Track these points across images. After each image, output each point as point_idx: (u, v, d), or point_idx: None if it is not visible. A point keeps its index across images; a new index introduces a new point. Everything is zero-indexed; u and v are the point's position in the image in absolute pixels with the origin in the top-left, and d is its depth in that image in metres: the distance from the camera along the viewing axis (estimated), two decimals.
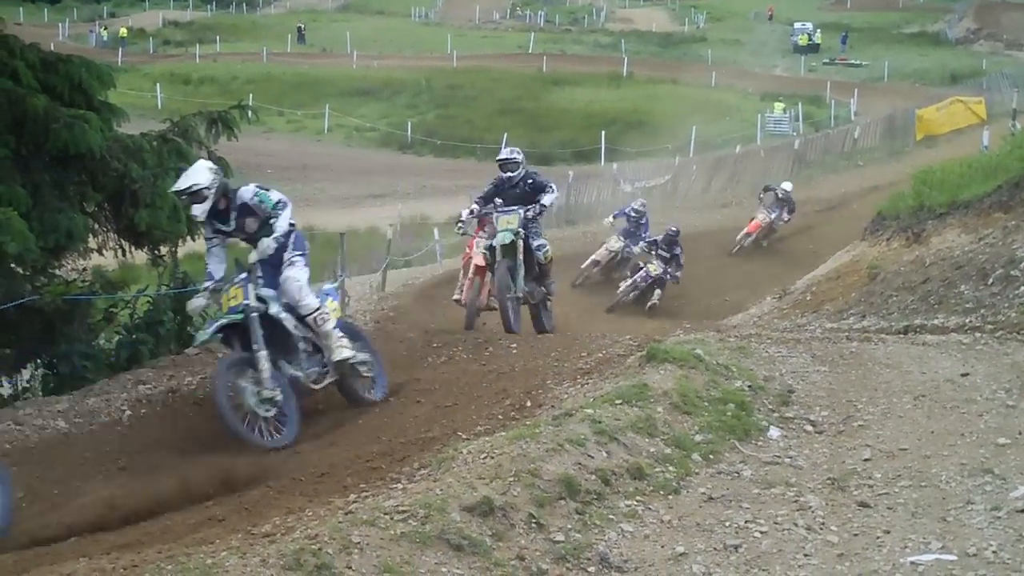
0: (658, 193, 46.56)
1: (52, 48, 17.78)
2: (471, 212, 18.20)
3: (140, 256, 16.30)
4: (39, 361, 14.90)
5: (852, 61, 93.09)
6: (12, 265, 13.92)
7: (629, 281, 28.93)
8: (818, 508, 8.36)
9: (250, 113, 17.03)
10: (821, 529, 8.01)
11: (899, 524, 8.04)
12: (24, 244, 12.58)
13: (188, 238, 15.84)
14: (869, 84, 79.27)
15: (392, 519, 7.19)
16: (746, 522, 8.11)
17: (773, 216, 36.24)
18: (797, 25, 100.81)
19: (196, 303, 12.52)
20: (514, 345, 15.13)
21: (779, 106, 70.30)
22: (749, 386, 11.07)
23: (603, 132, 62.21)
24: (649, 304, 28.60)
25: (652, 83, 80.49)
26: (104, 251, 15.75)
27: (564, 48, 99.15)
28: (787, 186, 38.07)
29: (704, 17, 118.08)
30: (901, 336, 14.95)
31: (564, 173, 48.10)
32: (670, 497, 8.55)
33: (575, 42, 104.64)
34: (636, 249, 30.08)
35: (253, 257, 12.25)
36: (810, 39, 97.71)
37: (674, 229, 29.88)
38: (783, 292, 23.09)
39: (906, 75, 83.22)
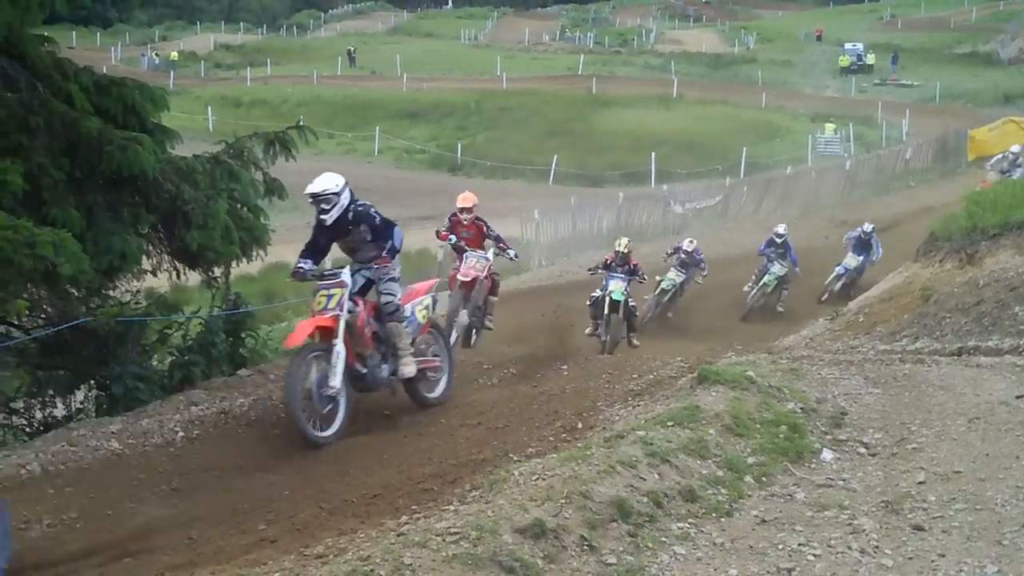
0: (709, 214, 46.48)
1: (105, 71, 17.87)
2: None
3: (193, 277, 16.37)
4: (93, 382, 14.94)
5: (903, 82, 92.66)
6: (66, 287, 13.99)
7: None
8: (872, 531, 8.31)
9: (308, 133, 17.02)
10: (875, 552, 7.96)
11: (954, 547, 7.99)
12: (78, 266, 12.61)
13: (241, 260, 15.90)
14: (920, 105, 78.90)
15: (444, 541, 7.19)
16: (799, 545, 8.06)
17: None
18: (848, 46, 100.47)
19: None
20: (565, 367, 15.13)
21: (830, 127, 70.13)
22: (802, 408, 11.04)
23: (653, 154, 62.14)
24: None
25: (702, 104, 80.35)
26: (157, 273, 15.80)
27: (614, 70, 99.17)
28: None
29: (754, 38, 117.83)
30: (955, 358, 14.86)
31: (614, 195, 48.05)
32: (723, 520, 8.52)
33: (625, 64, 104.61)
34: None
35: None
36: (860, 59, 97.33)
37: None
38: (835, 313, 22.98)
39: (958, 95, 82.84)
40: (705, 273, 29.21)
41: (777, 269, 29.77)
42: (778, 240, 30.40)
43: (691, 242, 29.92)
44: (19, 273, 11.95)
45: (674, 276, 28.57)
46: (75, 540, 9.91)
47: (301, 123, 17.06)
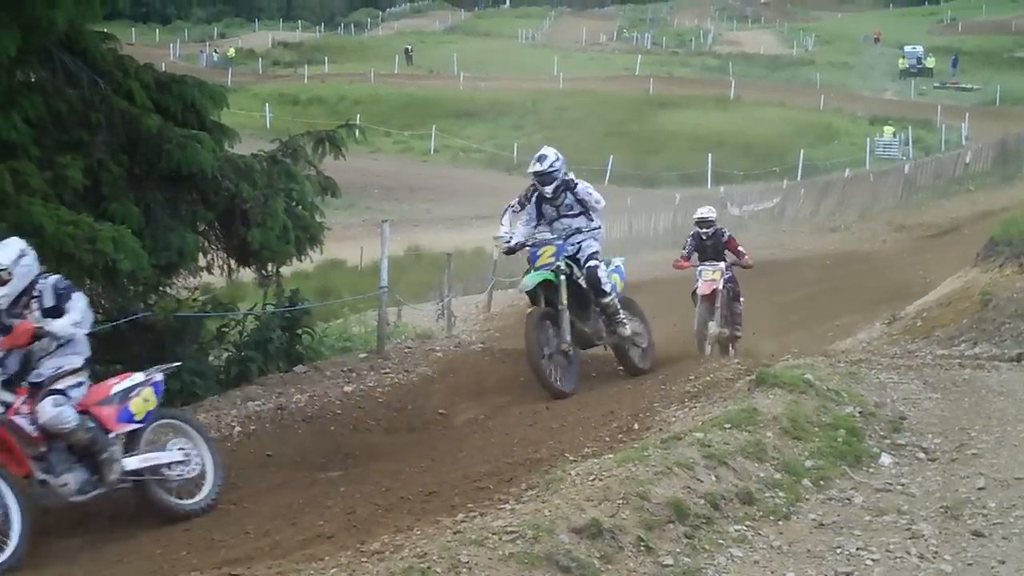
0: (765, 216, 46.33)
1: (164, 68, 17.98)
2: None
3: (246, 273, 16.46)
4: None
5: (963, 85, 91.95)
6: (125, 282, 14.09)
7: None
8: (931, 537, 8.24)
9: (357, 132, 17.11)
10: (934, 558, 7.89)
11: (1014, 554, 7.91)
12: (137, 262, 12.71)
13: (296, 258, 15.98)
14: (980, 108, 78.35)
15: (501, 539, 7.18)
16: (857, 549, 8.00)
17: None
18: (907, 48, 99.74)
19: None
20: (621, 367, 15.10)
21: (889, 130, 69.89)
22: (860, 412, 10.95)
23: (710, 155, 62.16)
24: None
25: (759, 106, 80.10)
26: (213, 270, 15.91)
27: (671, 70, 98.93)
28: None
29: (812, 40, 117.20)
30: (1015, 363, 14.73)
31: (670, 196, 47.97)
32: (780, 523, 8.47)
33: (682, 64, 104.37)
34: None
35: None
36: (920, 62, 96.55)
37: None
38: (893, 317, 22.81)
39: (1018, 99, 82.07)
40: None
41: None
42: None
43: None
44: (79, 268, 12.04)
45: None
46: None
47: (351, 122, 17.17)
